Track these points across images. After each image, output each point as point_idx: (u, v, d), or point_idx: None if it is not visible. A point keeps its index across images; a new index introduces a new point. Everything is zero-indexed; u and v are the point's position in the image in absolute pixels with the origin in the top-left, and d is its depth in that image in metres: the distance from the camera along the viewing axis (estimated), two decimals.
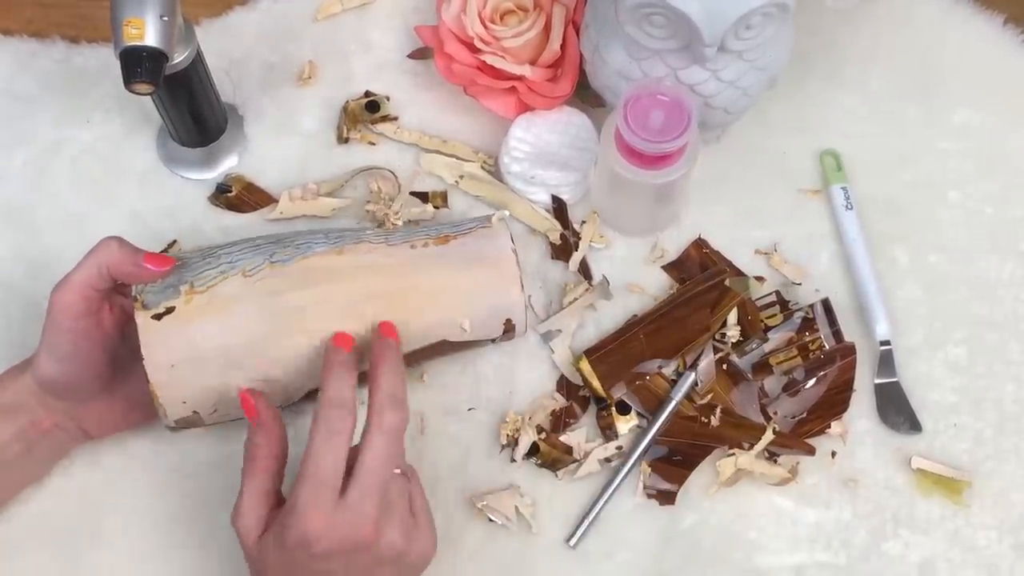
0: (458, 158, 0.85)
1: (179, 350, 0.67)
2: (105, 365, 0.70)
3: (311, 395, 0.72)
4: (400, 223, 0.77)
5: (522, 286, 0.73)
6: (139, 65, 0.69)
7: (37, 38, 0.89)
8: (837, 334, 0.79)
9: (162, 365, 0.67)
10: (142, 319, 0.67)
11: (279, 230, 0.82)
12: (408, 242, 0.72)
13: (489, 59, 0.80)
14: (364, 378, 0.73)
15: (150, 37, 0.68)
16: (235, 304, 0.68)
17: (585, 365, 0.77)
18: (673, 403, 0.76)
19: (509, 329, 0.74)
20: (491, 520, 0.74)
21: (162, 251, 0.78)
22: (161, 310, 0.67)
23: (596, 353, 0.77)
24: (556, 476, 0.76)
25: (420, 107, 0.87)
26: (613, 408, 0.77)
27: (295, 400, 0.72)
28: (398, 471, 0.65)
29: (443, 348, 0.74)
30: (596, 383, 0.77)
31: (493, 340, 0.75)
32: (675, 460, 0.76)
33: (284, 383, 0.70)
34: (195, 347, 0.68)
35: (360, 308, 0.70)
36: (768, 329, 0.79)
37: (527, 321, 0.74)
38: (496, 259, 0.72)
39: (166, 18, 0.69)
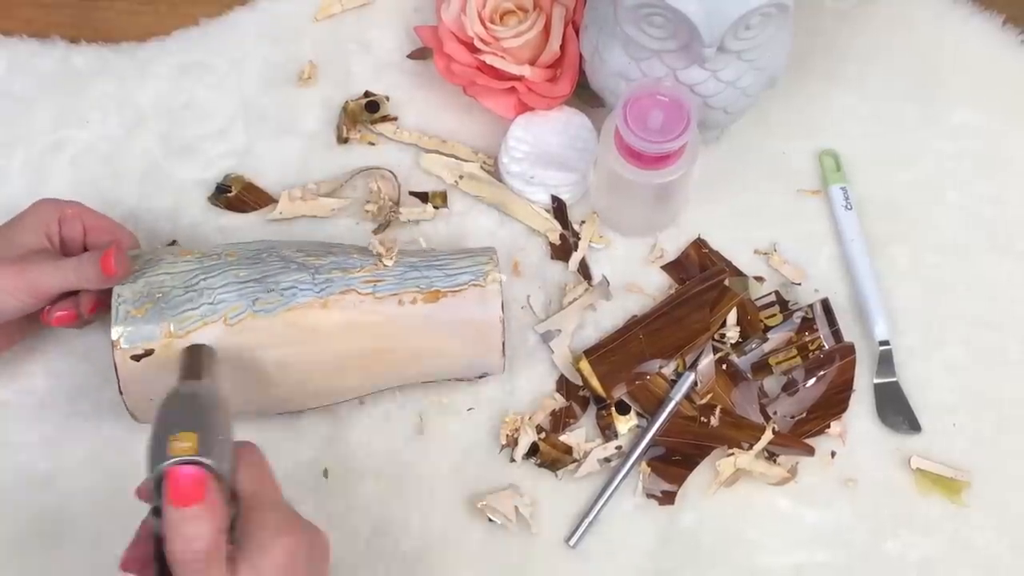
0: (458, 158, 0.85)
1: (158, 390, 0.67)
2: (21, 278, 0.68)
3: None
4: (391, 263, 0.73)
5: (503, 352, 0.73)
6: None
7: (37, 38, 0.89)
8: (836, 334, 0.79)
9: (141, 399, 0.69)
10: (121, 358, 0.68)
11: (279, 230, 0.82)
12: (396, 296, 0.71)
13: (489, 59, 0.80)
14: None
15: None
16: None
17: (585, 365, 0.77)
18: (673, 403, 0.76)
19: (483, 375, 0.76)
20: (491, 520, 0.74)
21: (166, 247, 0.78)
22: (140, 351, 0.68)
23: (596, 353, 0.77)
24: (556, 476, 0.76)
25: (420, 107, 0.87)
26: (613, 408, 0.77)
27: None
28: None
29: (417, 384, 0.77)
30: (596, 383, 0.77)
31: (468, 381, 0.77)
32: (675, 460, 0.76)
33: (269, 409, 0.74)
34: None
35: (341, 365, 0.71)
36: (767, 329, 0.79)
37: (505, 363, 0.75)
38: (483, 327, 0.72)
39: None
